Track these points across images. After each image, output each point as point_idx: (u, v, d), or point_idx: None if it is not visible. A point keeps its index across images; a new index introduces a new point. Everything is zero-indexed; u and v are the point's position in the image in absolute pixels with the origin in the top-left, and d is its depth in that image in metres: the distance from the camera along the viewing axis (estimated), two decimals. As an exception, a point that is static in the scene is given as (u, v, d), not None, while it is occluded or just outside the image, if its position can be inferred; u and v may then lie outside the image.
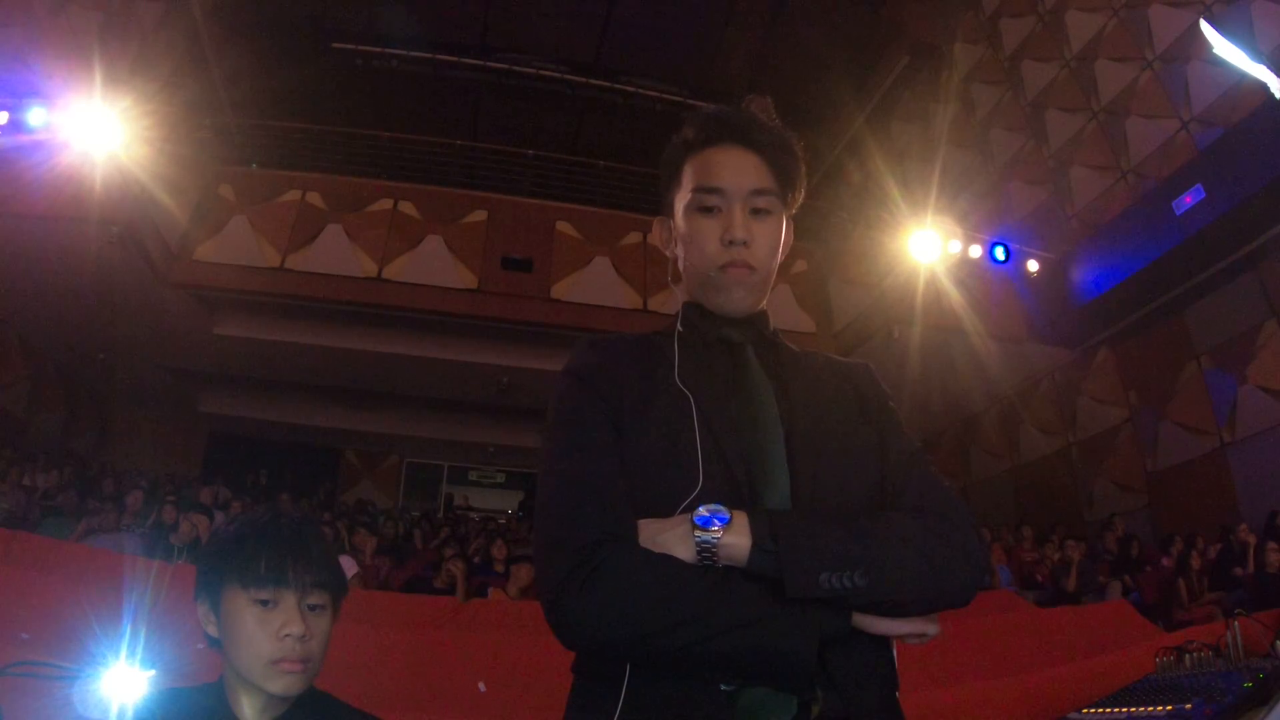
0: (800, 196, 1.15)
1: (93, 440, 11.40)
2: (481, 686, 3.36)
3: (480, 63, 12.50)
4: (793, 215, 1.16)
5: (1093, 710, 2.76)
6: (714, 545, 0.91)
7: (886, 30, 11.41)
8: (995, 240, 8.66)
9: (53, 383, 10.40)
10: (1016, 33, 9.96)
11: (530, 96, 13.01)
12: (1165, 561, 6.81)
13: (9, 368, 9.51)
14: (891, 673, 0.99)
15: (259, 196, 9.64)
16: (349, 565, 5.46)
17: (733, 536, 0.91)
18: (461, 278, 9.61)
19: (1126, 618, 4.94)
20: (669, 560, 0.91)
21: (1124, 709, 2.62)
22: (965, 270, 8.51)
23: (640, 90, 12.77)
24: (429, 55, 12.35)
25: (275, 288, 9.17)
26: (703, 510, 0.92)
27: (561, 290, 9.80)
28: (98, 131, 7.06)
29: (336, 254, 9.41)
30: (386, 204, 9.93)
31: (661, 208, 1.19)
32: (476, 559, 6.74)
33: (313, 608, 1.22)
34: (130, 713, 1.28)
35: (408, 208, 9.95)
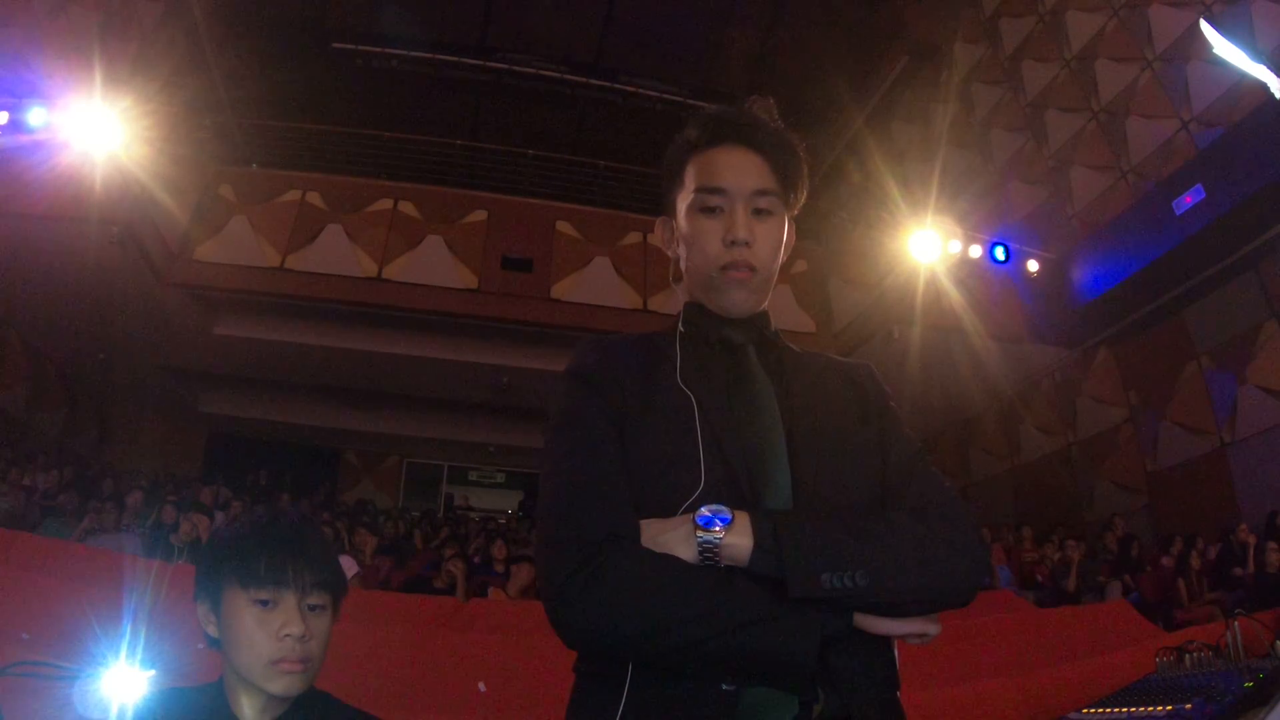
0: (803, 197, 1.16)
1: (93, 440, 11.39)
2: (481, 686, 3.36)
3: (480, 63, 12.50)
4: (794, 216, 1.17)
5: (1093, 710, 2.76)
6: (716, 545, 0.91)
7: (886, 30, 11.41)
8: (995, 240, 8.66)
9: (53, 383, 10.40)
10: (1016, 33, 9.96)
11: (530, 96, 13.01)
12: (1165, 561, 6.81)
13: (9, 368, 9.51)
14: (893, 673, 0.99)
15: (259, 196, 9.64)
16: (349, 565, 5.45)
17: (734, 537, 0.91)
18: (461, 278, 9.62)
19: (1126, 618, 4.93)
20: (671, 560, 0.91)
21: (1124, 709, 2.62)
22: (965, 270, 8.51)
23: (640, 90, 12.77)
24: (429, 55, 12.36)
25: (275, 288, 9.18)
26: (705, 510, 0.92)
27: (561, 290, 9.80)
28: (98, 131, 7.06)
29: (336, 254, 9.41)
30: (386, 204, 9.93)
31: (663, 207, 1.19)
32: (476, 559, 6.74)
33: (313, 608, 1.22)
34: (130, 713, 1.28)
35: (408, 208, 9.95)
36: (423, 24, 11.86)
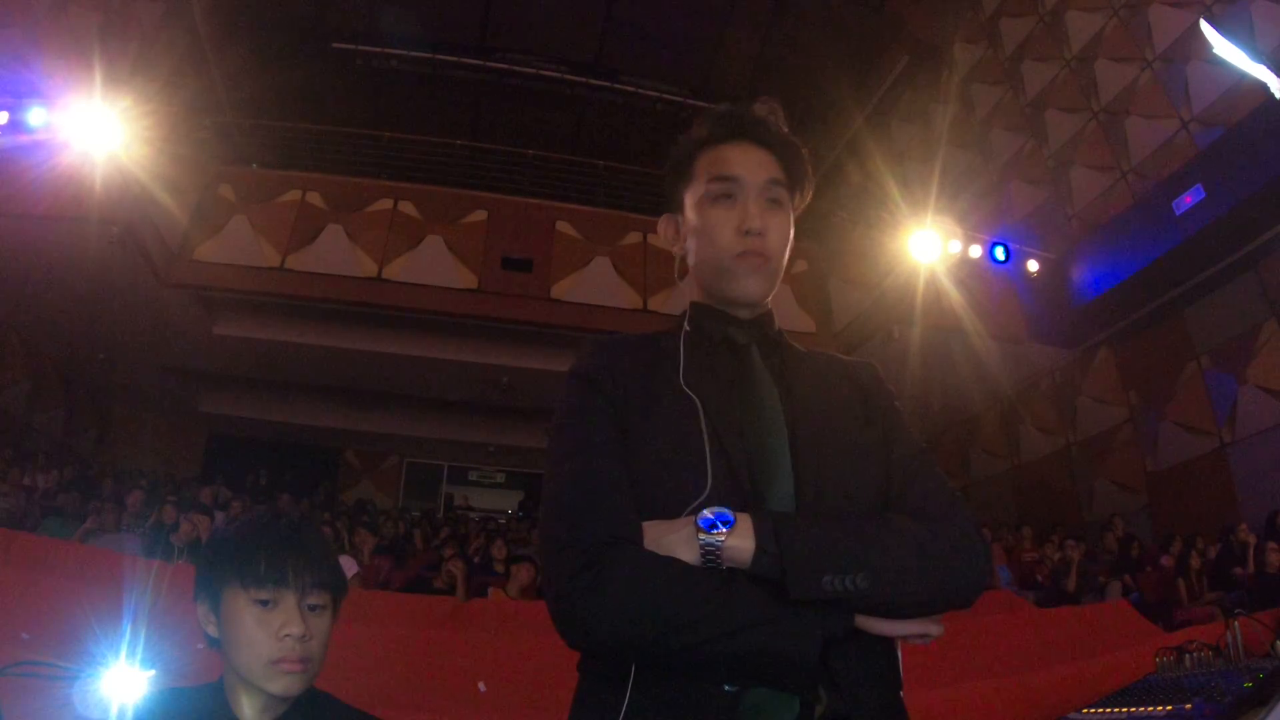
0: (806, 197, 1.17)
1: (93, 440, 11.40)
2: (481, 686, 3.36)
3: (480, 63, 12.51)
4: (795, 216, 1.17)
5: (1093, 710, 2.76)
6: (718, 548, 0.91)
7: (887, 30, 11.42)
8: (995, 240, 8.66)
9: (53, 383, 10.40)
10: (1016, 33, 9.96)
11: (530, 96, 13.01)
12: (1165, 561, 6.80)
13: (9, 368, 9.51)
14: (895, 673, 0.99)
15: (259, 196, 9.64)
16: (349, 565, 5.46)
17: (736, 539, 0.91)
18: (461, 278, 9.61)
19: (1126, 618, 4.94)
20: (674, 562, 0.92)
21: (1124, 709, 2.62)
22: (965, 270, 8.50)
23: (640, 90, 12.78)
24: (429, 55, 12.37)
25: (275, 288, 9.18)
26: (707, 513, 0.93)
27: (561, 290, 9.80)
28: (98, 131, 7.05)
29: (336, 254, 9.41)
30: (386, 204, 9.92)
31: (668, 205, 1.20)
32: (476, 559, 6.74)
33: (313, 608, 1.22)
34: (130, 713, 1.28)
35: (408, 208, 9.94)
36: (422, 24, 11.86)
